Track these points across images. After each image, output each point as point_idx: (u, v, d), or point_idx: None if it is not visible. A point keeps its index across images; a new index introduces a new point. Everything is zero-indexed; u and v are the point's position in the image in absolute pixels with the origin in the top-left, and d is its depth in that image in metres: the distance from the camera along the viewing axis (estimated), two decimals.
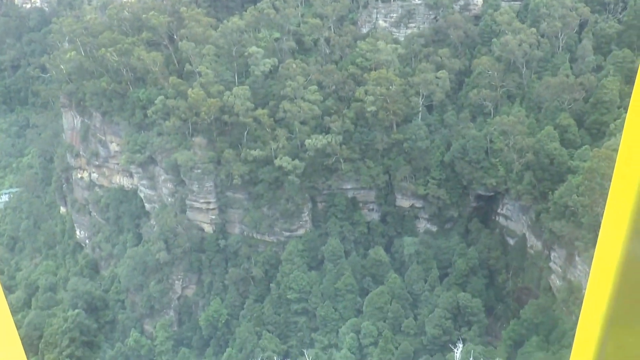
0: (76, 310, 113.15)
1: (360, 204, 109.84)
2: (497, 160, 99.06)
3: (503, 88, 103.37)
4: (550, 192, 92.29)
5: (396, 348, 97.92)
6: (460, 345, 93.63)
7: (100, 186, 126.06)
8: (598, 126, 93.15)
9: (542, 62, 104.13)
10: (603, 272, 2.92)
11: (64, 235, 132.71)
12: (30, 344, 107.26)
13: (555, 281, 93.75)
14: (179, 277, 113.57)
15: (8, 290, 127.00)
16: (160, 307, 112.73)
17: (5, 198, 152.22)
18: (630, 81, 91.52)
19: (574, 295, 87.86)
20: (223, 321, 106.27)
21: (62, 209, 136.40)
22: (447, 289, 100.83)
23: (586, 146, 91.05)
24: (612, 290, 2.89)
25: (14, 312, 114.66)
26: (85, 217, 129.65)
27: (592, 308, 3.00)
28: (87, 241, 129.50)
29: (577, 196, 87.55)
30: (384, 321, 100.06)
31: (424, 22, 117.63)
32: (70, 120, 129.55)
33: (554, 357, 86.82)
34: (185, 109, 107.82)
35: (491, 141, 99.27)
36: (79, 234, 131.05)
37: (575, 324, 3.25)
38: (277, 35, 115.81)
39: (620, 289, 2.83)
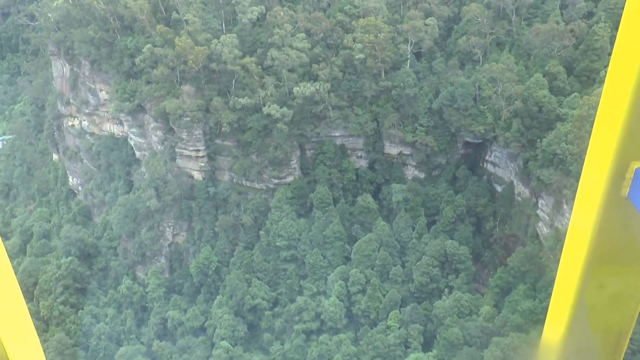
0: (69, 258, 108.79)
1: (349, 152, 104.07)
2: (486, 107, 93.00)
3: (492, 35, 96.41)
4: (538, 140, 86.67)
5: (384, 295, 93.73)
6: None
7: (91, 134, 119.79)
8: (588, 73, 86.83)
9: (532, 8, 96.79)
10: (584, 213, 2.78)
11: (57, 182, 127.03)
12: (26, 290, 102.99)
13: (543, 229, 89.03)
14: (170, 224, 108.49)
15: (4, 237, 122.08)
16: (151, 254, 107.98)
17: None
18: None
19: (561, 243, 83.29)
20: (213, 268, 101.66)
21: (55, 156, 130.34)
22: (434, 237, 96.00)
23: (575, 94, 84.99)
24: (592, 231, 2.76)
25: (10, 259, 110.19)
26: (77, 164, 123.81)
27: (573, 249, 2.93)
28: (79, 188, 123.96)
29: (566, 144, 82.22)
30: (372, 269, 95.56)
31: None
32: (60, 69, 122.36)
33: (541, 305, 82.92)
34: (173, 57, 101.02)
35: (480, 88, 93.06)
36: (72, 181, 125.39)
37: None
38: None
39: (600, 230, 2.72)
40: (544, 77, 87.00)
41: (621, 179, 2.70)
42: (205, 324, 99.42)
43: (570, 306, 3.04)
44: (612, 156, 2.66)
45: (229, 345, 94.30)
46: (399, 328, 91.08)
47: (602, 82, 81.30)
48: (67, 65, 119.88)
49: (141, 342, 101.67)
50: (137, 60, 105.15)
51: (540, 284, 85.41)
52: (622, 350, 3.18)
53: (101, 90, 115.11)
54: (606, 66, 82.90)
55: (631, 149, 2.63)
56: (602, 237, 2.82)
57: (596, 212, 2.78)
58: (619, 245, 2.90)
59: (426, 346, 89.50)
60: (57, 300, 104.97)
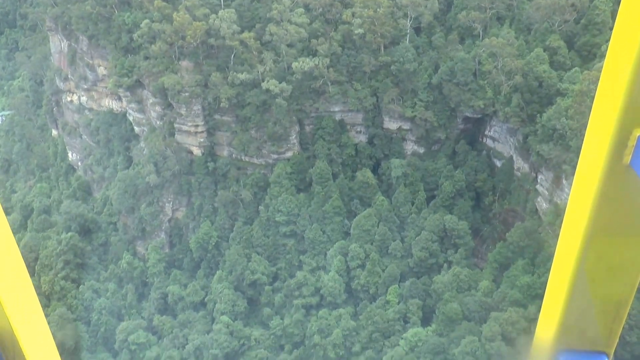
0: (69, 233, 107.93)
1: (348, 127, 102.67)
2: (485, 82, 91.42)
3: (492, 9, 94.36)
4: (538, 115, 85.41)
5: (383, 270, 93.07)
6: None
7: (90, 109, 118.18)
8: (589, 48, 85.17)
9: None
10: (586, 181, 2.75)
11: (57, 157, 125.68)
12: (27, 266, 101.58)
13: (542, 204, 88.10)
14: (169, 199, 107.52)
15: (4, 212, 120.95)
16: (151, 230, 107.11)
17: None
18: None
19: (560, 218, 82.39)
20: (213, 243, 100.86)
21: (54, 132, 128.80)
22: (433, 212, 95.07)
23: (576, 68, 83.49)
24: (593, 200, 2.72)
25: None
26: (76, 139, 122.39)
27: (574, 219, 2.87)
28: (79, 163, 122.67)
29: (566, 119, 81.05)
30: (371, 244, 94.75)
31: None
32: (57, 44, 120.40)
33: (540, 280, 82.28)
34: (171, 32, 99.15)
35: (480, 63, 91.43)
36: (71, 156, 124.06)
37: None
38: None
39: (601, 198, 2.68)
40: (544, 51, 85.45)
41: (623, 146, 2.60)
42: (206, 299, 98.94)
43: (570, 277, 2.94)
44: (615, 123, 2.57)
45: (229, 320, 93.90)
46: (398, 303, 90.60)
47: (603, 56, 79.76)
48: (64, 40, 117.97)
49: (142, 317, 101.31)
50: (135, 35, 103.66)
51: (539, 259, 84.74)
52: (622, 319, 3.11)
53: (99, 65, 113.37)
54: (607, 41, 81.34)
55: (634, 116, 2.53)
56: (603, 206, 2.73)
57: (598, 180, 2.70)
58: (620, 216, 2.80)
59: (425, 321, 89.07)
60: (58, 275, 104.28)
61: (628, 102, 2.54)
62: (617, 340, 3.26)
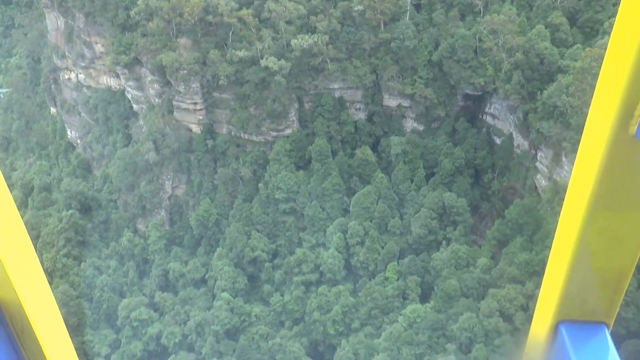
0: (70, 211, 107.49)
1: (347, 104, 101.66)
2: (486, 59, 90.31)
3: None
4: (539, 92, 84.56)
5: (382, 247, 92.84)
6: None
7: (88, 87, 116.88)
8: (591, 24, 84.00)
9: None
10: (590, 152, 2.72)
11: (56, 135, 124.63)
12: None
13: (541, 181, 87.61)
14: (169, 177, 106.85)
15: None
16: (151, 207, 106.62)
17: None
18: None
19: (559, 195, 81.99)
20: (213, 221, 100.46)
21: (52, 110, 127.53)
22: (433, 189, 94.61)
23: (578, 45, 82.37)
24: (597, 171, 2.69)
25: None
26: (75, 117, 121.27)
27: (576, 192, 2.84)
28: (78, 141, 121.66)
29: (567, 96, 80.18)
30: (371, 221, 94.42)
31: None
32: (54, 21, 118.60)
33: (538, 257, 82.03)
34: (168, 9, 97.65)
35: (480, 40, 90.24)
36: (70, 134, 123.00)
37: None
38: None
39: (605, 170, 2.66)
40: (546, 28, 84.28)
41: (630, 116, 2.54)
42: (206, 276, 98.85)
43: (572, 249, 2.91)
44: (621, 93, 2.50)
45: (230, 297, 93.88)
46: (397, 280, 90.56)
47: (605, 33, 78.67)
48: (61, 17, 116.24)
49: (143, 294, 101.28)
50: (132, 12, 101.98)
51: (537, 236, 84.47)
52: (623, 290, 3.09)
53: (96, 43, 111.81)
54: (610, 17, 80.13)
55: None
56: (607, 178, 2.69)
57: (602, 150, 2.64)
58: (624, 188, 2.76)
59: (424, 297, 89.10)
60: (60, 252, 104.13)
61: (636, 72, 2.45)
62: (617, 310, 3.24)
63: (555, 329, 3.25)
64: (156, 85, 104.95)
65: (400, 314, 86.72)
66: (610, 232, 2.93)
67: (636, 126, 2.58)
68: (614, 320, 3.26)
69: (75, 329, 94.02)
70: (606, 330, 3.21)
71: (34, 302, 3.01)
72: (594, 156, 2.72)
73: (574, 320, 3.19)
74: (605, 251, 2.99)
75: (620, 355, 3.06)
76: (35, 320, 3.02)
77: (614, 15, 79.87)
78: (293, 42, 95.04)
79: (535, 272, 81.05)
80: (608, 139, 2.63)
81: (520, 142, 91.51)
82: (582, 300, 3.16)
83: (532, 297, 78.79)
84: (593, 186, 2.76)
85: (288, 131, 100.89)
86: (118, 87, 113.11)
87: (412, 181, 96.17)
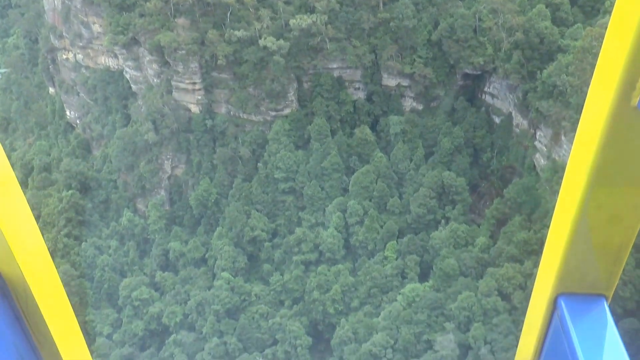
0: (70, 191, 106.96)
1: (346, 83, 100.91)
2: (486, 39, 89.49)
3: None
4: (538, 72, 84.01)
5: (381, 227, 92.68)
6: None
7: (86, 67, 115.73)
8: (592, 3, 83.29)
9: None
10: (591, 125, 2.69)
11: (55, 115, 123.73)
12: None
13: (540, 160, 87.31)
14: (168, 157, 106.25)
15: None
16: (151, 187, 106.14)
17: None
18: None
19: (558, 174, 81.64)
20: (213, 200, 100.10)
21: (51, 90, 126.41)
22: (432, 168, 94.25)
23: (578, 24, 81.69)
24: (598, 145, 2.66)
25: None
26: (73, 97, 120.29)
27: (577, 165, 2.83)
28: (77, 121, 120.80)
29: (567, 76, 79.63)
30: (370, 200, 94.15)
31: None
32: (51, 1, 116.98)
33: (536, 236, 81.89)
34: None
35: (480, 19, 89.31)
36: (69, 114, 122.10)
37: None
38: None
39: (606, 143, 2.63)
40: (546, 7, 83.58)
41: (632, 88, 2.50)
42: (206, 255, 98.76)
43: (571, 223, 2.90)
44: (623, 64, 2.45)
45: (230, 276, 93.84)
46: (396, 259, 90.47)
47: (606, 12, 77.78)
48: None
49: (144, 273, 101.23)
50: None
51: (536, 215, 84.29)
52: (622, 263, 3.10)
53: (94, 23, 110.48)
54: None
55: None
56: (608, 151, 2.65)
57: (604, 123, 2.60)
58: (624, 162, 2.73)
59: (422, 276, 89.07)
60: (61, 232, 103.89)
61: (638, 42, 2.41)
62: (616, 283, 3.23)
63: (554, 302, 3.22)
64: (154, 66, 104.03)
65: (399, 293, 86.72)
66: (610, 206, 2.91)
67: (638, 98, 2.52)
68: (612, 292, 3.24)
69: (77, 308, 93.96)
70: (605, 302, 3.20)
71: (36, 275, 3.02)
72: (595, 129, 2.67)
73: (573, 293, 3.19)
74: (605, 225, 2.96)
75: (618, 331, 3.03)
76: (38, 292, 3.02)
77: None
78: (292, 21, 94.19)
79: (534, 251, 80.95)
80: (610, 111, 2.58)
81: (520, 121, 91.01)
82: (582, 274, 3.16)
83: (530, 276, 78.76)
84: (593, 159, 2.72)
85: (287, 111, 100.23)
86: (116, 67, 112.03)
87: (411, 160, 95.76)
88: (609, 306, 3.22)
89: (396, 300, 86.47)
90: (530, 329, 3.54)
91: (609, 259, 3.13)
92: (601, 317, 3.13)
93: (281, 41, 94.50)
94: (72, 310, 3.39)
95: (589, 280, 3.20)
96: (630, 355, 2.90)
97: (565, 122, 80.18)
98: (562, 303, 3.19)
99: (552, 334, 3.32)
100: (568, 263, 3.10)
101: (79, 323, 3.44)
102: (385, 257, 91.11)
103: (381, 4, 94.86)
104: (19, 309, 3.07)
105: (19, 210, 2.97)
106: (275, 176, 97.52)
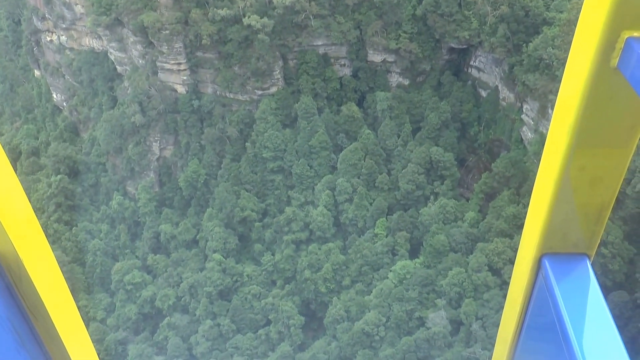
0: (59, 176, 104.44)
1: (332, 60, 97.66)
2: (471, 12, 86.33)
3: None
4: (524, 45, 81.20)
5: (370, 204, 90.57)
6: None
7: (71, 49, 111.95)
8: None
9: None
10: (572, 86, 2.68)
11: (41, 98, 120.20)
12: None
13: (527, 133, 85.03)
14: (156, 138, 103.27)
15: None
16: (140, 169, 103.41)
17: None
18: None
19: None
20: (202, 181, 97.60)
21: (37, 72, 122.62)
22: (419, 144, 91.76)
23: None
24: (579, 106, 2.66)
25: None
26: (59, 80, 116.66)
27: (559, 127, 2.82)
28: (64, 104, 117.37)
29: (552, 49, 77.02)
30: (358, 177, 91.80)
31: None
32: None
33: (525, 210, 79.98)
34: None
35: None
36: (56, 97, 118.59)
37: None
38: None
39: (587, 104, 2.64)
40: None
41: (611, 49, 2.52)
42: (197, 237, 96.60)
43: (553, 185, 2.91)
44: (603, 25, 2.45)
45: (221, 258, 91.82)
46: (386, 236, 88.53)
47: None
48: None
49: (136, 257, 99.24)
50: None
51: (524, 189, 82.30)
52: (604, 222, 3.12)
53: (76, 4, 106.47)
54: None
55: (623, 17, 2.45)
56: (589, 113, 2.65)
57: (584, 83, 2.58)
58: (605, 123, 2.73)
59: (412, 253, 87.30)
60: (51, 218, 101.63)
61: (617, 3, 2.39)
62: (598, 242, 3.20)
63: (539, 262, 3.21)
64: (139, 46, 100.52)
65: (390, 270, 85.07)
66: (591, 167, 2.89)
67: (618, 58, 2.49)
68: (595, 251, 3.22)
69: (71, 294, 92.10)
70: (587, 261, 3.19)
71: (29, 250, 2.91)
72: (576, 90, 2.63)
73: (557, 252, 3.18)
74: (587, 186, 2.96)
75: (601, 289, 2.97)
76: (31, 267, 2.93)
77: None
78: None
79: (523, 225, 79.02)
80: (590, 72, 2.55)
81: (506, 94, 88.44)
82: (565, 234, 3.14)
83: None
84: (575, 121, 2.69)
85: (273, 89, 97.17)
86: (101, 48, 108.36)
87: (398, 136, 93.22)
88: (592, 264, 3.19)
89: (387, 277, 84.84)
90: (515, 289, 3.49)
91: (591, 219, 3.11)
92: (584, 276, 3.12)
93: (265, 19, 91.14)
94: (66, 284, 3.23)
95: (572, 240, 3.17)
96: (614, 315, 2.79)
97: (552, 95, 77.68)
98: (547, 263, 3.17)
99: (537, 293, 3.29)
100: (552, 224, 3.07)
101: None
102: (375, 235, 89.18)
103: None
104: (13, 284, 2.99)
105: (9, 185, 2.81)
106: (264, 155, 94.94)
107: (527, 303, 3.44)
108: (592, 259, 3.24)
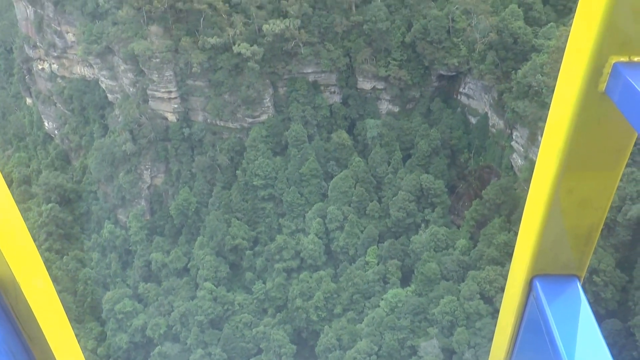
0: (50, 204, 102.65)
1: (322, 88, 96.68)
2: (459, 40, 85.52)
3: None
4: (513, 72, 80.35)
5: (361, 232, 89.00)
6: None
7: (62, 77, 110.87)
8: (564, 2, 79.36)
9: None
10: (561, 111, 2.70)
11: (33, 126, 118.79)
12: None
13: (517, 160, 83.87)
14: (147, 166, 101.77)
15: None
16: (131, 197, 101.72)
17: None
18: None
19: None
20: (193, 209, 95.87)
21: (28, 100, 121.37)
22: (410, 171, 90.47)
23: (552, 24, 77.95)
24: (567, 131, 2.67)
25: None
26: (50, 108, 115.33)
27: (548, 152, 2.83)
28: (55, 132, 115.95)
29: (542, 75, 76.18)
30: (349, 205, 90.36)
31: None
32: (23, 10, 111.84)
33: (516, 238, 78.61)
34: None
35: (453, 20, 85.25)
36: (47, 125, 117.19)
37: None
38: None
39: (576, 129, 2.65)
40: (519, 7, 79.63)
41: (599, 74, 2.52)
42: (188, 265, 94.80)
43: (543, 208, 2.89)
44: (590, 51, 2.43)
45: (212, 286, 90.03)
46: (377, 264, 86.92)
47: None
48: (30, 7, 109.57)
49: (127, 285, 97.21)
50: (100, 0, 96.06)
51: (515, 216, 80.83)
52: (593, 244, 3.11)
53: (67, 32, 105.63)
54: None
55: (610, 43, 2.43)
56: (577, 136, 2.65)
57: (572, 108, 2.58)
58: (593, 147, 2.72)
59: (404, 281, 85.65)
60: (42, 247, 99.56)
61: (605, 29, 2.37)
62: (588, 263, 3.19)
63: (529, 284, 3.18)
64: (130, 75, 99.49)
65: (382, 299, 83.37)
66: (580, 189, 2.89)
67: (605, 83, 2.48)
68: (585, 272, 3.21)
69: None
70: (578, 282, 3.19)
71: (25, 272, 2.88)
72: (565, 115, 2.63)
73: (548, 274, 3.17)
74: (576, 208, 2.95)
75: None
76: (28, 290, 2.89)
77: None
78: (265, 27, 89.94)
79: (514, 252, 77.76)
80: (578, 96, 2.55)
81: (496, 121, 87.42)
82: (555, 255, 3.13)
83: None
84: (564, 145, 2.68)
85: (263, 117, 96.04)
86: (92, 76, 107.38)
87: (389, 164, 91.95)
88: (582, 286, 3.21)
89: (379, 305, 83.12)
90: (507, 311, 3.47)
91: (581, 240, 3.12)
92: (575, 297, 3.11)
93: (255, 47, 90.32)
94: (62, 306, 3.22)
95: (563, 262, 3.17)
96: (605, 335, 2.77)
97: (541, 122, 76.53)
98: (538, 284, 3.16)
99: (528, 314, 3.28)
100: (542, 245, 3.06)
101: None
102: (367, 262, 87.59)
103: (354, 7, 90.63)
104: (9, 306, 2.94)
105: (6, 207, 2.79)
106: (254, 183, 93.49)
107: (519, 325, 3.36)
108: (582, 280, 3.19)
